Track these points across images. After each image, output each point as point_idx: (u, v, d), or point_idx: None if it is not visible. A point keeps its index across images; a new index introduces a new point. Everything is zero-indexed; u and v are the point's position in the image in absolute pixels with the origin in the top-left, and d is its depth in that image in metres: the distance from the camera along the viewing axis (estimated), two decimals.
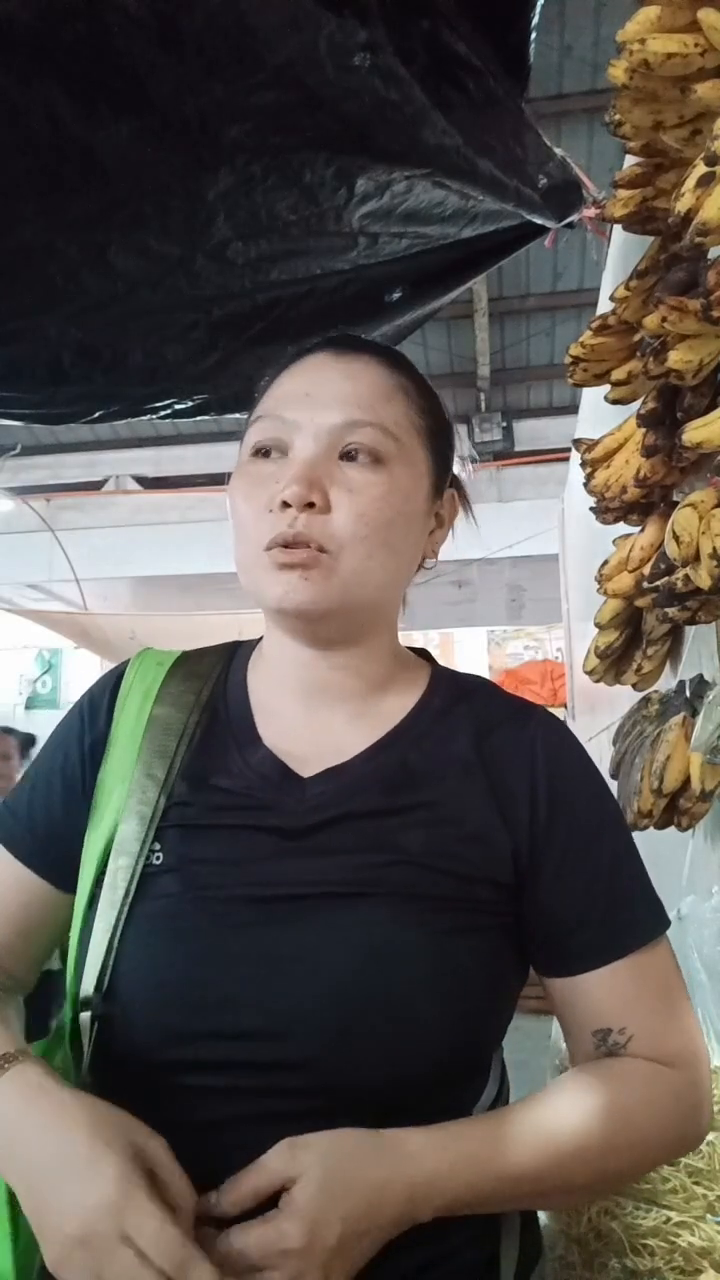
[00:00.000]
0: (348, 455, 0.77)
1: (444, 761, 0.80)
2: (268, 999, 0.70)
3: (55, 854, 0.82)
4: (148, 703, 0.84)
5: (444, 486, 0.87)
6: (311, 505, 0.75)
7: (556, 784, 0.79)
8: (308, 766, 0.79)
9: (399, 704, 0.84)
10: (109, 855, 0.77)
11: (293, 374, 0.83)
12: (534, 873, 0.77)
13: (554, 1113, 0.72)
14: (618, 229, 1.70)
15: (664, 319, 1.20)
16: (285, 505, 0.75)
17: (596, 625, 1.82)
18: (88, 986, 0.73)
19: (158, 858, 0.76)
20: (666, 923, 0.80)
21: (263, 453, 0.80)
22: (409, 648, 0.91)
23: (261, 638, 0.89)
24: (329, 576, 0.75)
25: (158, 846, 0.76)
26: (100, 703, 0.86)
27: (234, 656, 0.91)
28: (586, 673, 1.91)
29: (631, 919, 0.78)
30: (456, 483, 0.92)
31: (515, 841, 0.77)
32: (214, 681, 0.87)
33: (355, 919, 0.72)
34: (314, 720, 0.82)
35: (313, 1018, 0.69)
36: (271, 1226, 0.61)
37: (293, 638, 0.82)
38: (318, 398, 0.78)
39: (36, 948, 0.85)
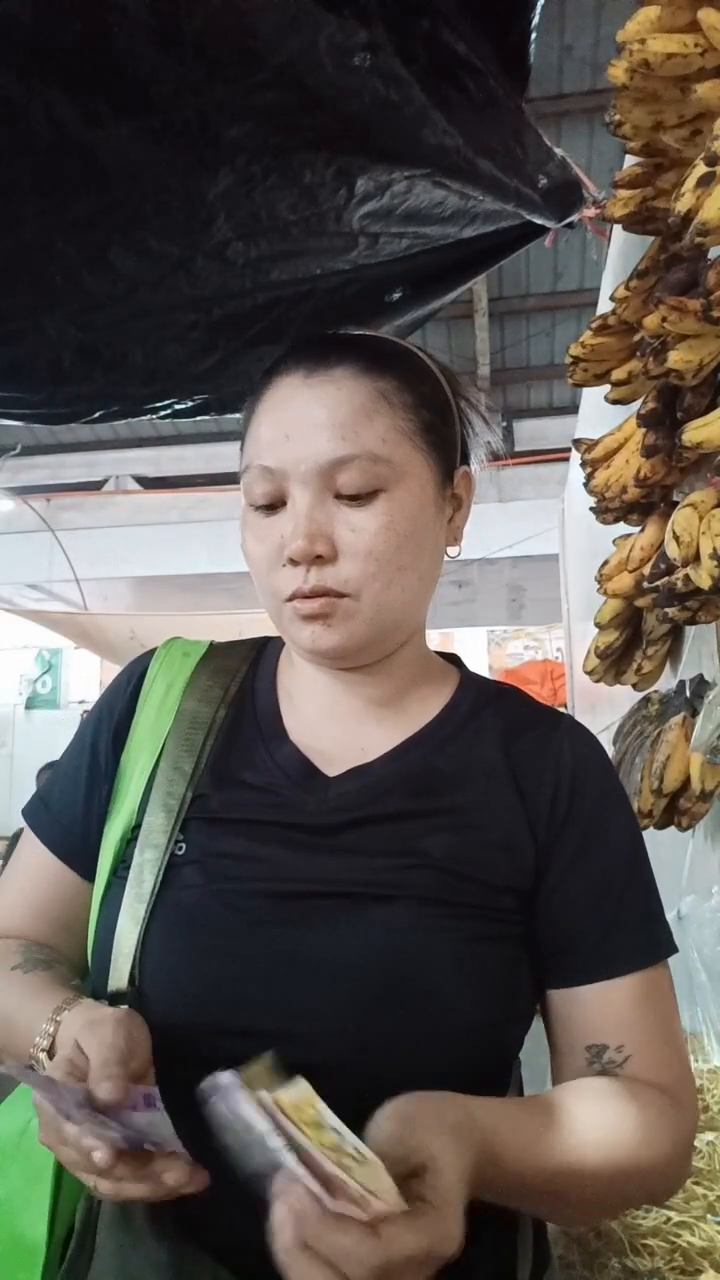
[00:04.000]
0: (342, 493, 0.75)
1: (470, 765, 0.79)
2: (283, 999, 0.69)
3: (83, 846, 0.83)
4: (172, 694, 0.85)
5: (454, 468, 0.83)
6: (319, 557, 0.74)
7: (577, 791, 0.78)
8: (333, 765, 0.79)
9: (426, 706, 0.83)
10: (125, 844, 0.78)
11: (269, 407, 0.78)
12: (543, 876, 0.76)
13: (581, 1120, 0.69)
14: (618, 229, 1.70)
15: (664, 319, 1.20)
16: (294, 562, 0.75)
17: (596, 625, 1.82)
18: (120, 979, 0.73)
19: (181, 848, 0.76)
20: (672, 949, 0.78)
21: (263, 504, 0.78)
22: (438, 652, 0.90)
23: None
24: (351, 618, 0.76)
25: (182, 838, 0.76)
26: (124, 693, 0.87)
27: (263, 651, 0.91)
28: (586, 673, 1.91)
29: (638, 938, 0.76)
30: (468, 417, 0.87)
31: (536, 845, 0.76)
32: (242, 677, 0.87)
33: (375, 922, 0.71)
34: (341, 719, 0.82)
35: (328, 1020, 0.68)
36: (431, 1227, 0.51)
37: (322, 668, 0.83)
38: (297, 439, 0.75)
39: (82, 939, 0.83)
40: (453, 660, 0.91)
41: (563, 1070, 0.76)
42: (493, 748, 0.80)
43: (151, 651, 0.90)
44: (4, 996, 0.76)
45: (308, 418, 0.75)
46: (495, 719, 0.82)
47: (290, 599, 0.76)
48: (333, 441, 0.74)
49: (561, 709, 0.99)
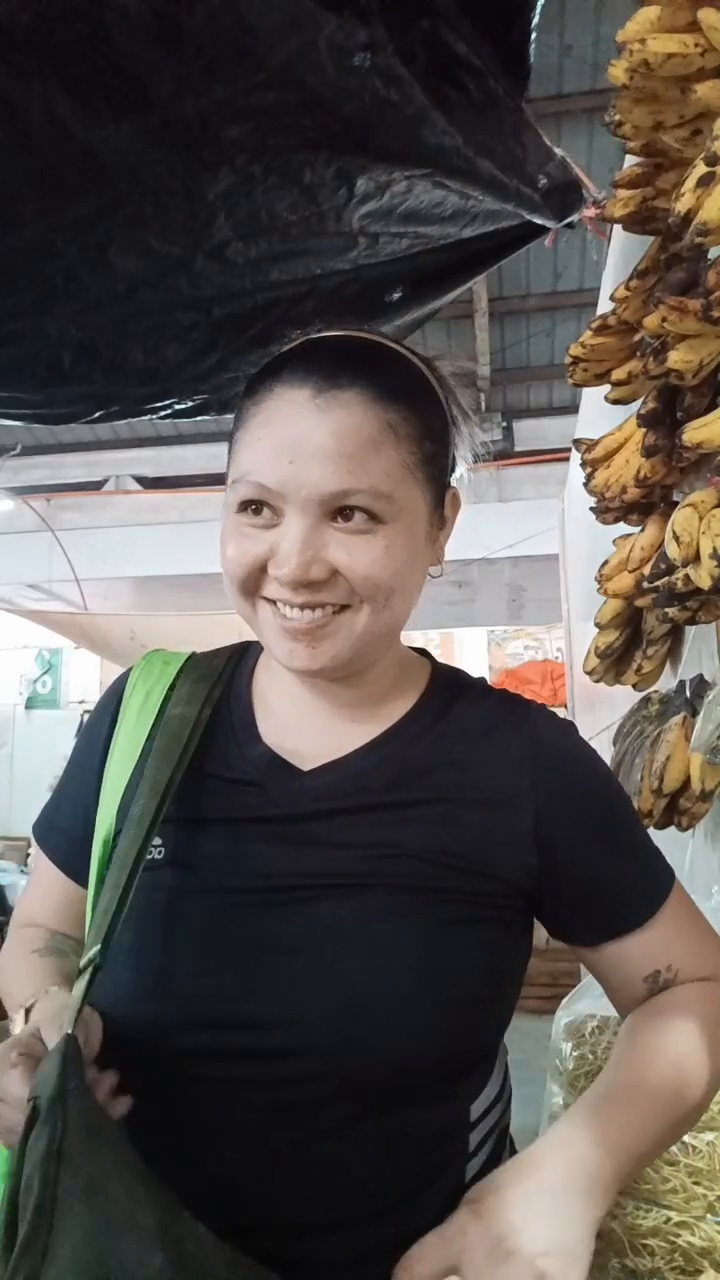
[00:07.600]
0: (342, 515, 0.73)
1: (442, 757, 0.81)
2: (266, 989, 0.70)
3: (83, 858, 0.85)
4: (150, 702, 0.86)
5: (445, 495, 0.84)
6: (310, 584, 0.73)
7: (561, 768, 0.82)
8: (306, 762, 0.81)
9: (400, 704, 0.85)
10: (109, 850, 0.80)
11: (271, 419, 0.74)
12: (553, 854, 0.78)
13: (652, 1063, 0.73)
14: (618, 229, 1.70)
15: (664, 319, 1.19)
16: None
17: (596, 625, 1.81)
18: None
19: (159, 852, 0.77)
20: (672, 869, 0.84)
21: (250, 509, 0.75)
22: (410, 648, 0.91)
23: None
24: (337, 636, 0.76)
25: (159, 841, 0.78)
26: (108, 708, 0.90)
27: (243, 657, 0.92)
28: (586, 673, 1.91)
29: (656, 872, 0.82)
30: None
31: (522, 831, 0.78)
32: (222, 683, 0.89)
33: (354, 911, 0.73)
34: (315, 718, 0.84)
35: (312, 1008, 0.70)
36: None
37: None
38: (301, 464, 0.71)
39: None
40: (423, 655, 0.93)
41: (623, 1001, 0.82)
42: (464, 740, 0.82)
43: (133, 667, 0.92)
44: (19, 974, 0.81)
45: (314, 443, 0.72)
46: (466, 711, 0.85)
47: (274, 601, 0.76)
48: (338, 473, 0.71)
49: (561, 709, 1.02)
